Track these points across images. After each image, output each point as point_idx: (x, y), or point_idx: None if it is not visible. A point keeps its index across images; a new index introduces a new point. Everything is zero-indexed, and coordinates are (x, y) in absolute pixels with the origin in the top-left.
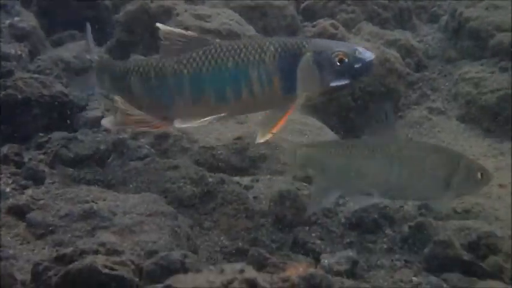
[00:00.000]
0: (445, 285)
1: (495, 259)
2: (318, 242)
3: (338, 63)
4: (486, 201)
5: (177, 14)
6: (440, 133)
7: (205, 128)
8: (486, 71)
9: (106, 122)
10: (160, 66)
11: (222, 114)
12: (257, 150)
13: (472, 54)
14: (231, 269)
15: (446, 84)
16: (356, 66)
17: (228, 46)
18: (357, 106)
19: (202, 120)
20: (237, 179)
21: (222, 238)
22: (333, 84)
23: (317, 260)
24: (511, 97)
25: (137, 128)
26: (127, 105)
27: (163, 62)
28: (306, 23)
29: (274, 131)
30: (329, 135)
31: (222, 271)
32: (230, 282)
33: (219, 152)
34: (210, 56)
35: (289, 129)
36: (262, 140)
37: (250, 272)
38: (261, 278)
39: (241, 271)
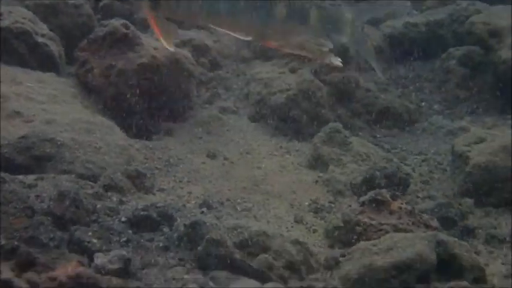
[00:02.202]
0: (211, 283)
1: (265, 257)
2: (95, 240)
3: None
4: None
5: None
6: (229, 131)
7: None
8: (276, 71)
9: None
10: None
11: None
12: (42, 149)
13: (264, 54)
14: None
15: (239, 83)
16: None
17: None
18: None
19: None
20: (21, 177)
21: (0, 237)
22: None
23: (92, 258)
24: (299, 97)
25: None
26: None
27: None
28: (104, 21)
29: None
30: (118, 134)
31: None
32: None
33: (4, 150)
34: None
35: (76, 128)
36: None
37: (6, 273)
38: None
39: None
